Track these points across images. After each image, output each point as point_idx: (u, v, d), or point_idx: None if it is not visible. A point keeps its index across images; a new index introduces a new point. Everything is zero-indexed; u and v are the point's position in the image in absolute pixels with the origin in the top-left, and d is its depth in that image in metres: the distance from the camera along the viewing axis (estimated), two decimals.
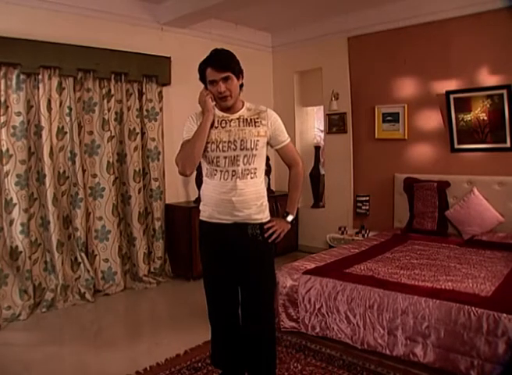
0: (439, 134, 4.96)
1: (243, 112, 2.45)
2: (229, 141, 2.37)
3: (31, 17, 4.14)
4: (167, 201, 5.25)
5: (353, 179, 5.75)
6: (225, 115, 2.43)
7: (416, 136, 5.14)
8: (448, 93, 4.76)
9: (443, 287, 3.06)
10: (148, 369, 3.00)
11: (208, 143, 2.37)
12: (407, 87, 5.17)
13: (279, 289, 3.51)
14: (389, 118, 5.28)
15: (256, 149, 2.39)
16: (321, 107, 6.08)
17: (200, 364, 3.06)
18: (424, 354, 2.79)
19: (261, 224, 2.47)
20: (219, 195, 2.40)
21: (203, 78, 2.39)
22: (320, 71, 5.90)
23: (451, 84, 4.79)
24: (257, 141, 2.40)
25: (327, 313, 3.27)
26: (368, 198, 5.46)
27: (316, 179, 6.24)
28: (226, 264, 2.49)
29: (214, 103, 2.39)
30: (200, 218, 2.53)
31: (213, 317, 2.62)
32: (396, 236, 4.75)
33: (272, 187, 6.16)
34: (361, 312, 3.10)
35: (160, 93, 5.08)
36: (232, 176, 2.37)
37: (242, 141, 2.36)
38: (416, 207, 4.91)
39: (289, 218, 2.62)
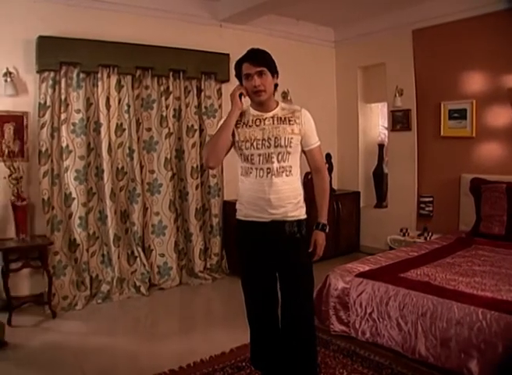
0: (509, 132, 4.62)
1: (277, 111, 2.43)
2: (263, 139, 2.36)
3: (89, 18, 4.28)
4: (225, 198, 5.24)
5: (417, 178, 5.50)
6: (259, 114, 2.42)
7: (484, 134, 4.82)
8: None
9: (504, 297, 2.82)
10: (192, 365, 3.01)
11: (242, 141, 2.38)
12: (476, 82, 4.85)
13: (330, 291, 3.42)
14: (455, 115, 4.98)
15: (290, 147, 2.37)
16: (385, 103, 5.87)
17: (243, 363, 3.02)
18: (479, 370, 2.58)
19: (299, 221, 2.44)
20: (256, 193, 2.38)
21: (239, 74, 2.40)
22: (383, 66, 5.69)
23: None
24: (291, 138, 2.37)
25: (378, 319, 3.13)
26: (431, 199, 5.21)
27: (379, 178, 6.03)
28: (264, 262, 2.46)
29: (246, 99, 2.36)
30: (237, 217, 2.51)
31: (252, 317, 2.60)
32: (459, 239, 4.47)
33: (334, 186, 5.99)
34: (413, 319, 2.93)
35: (219, 90, 5.09)
36: (268, 173, 2.35)
37: (276, 138, 2.35)
38: (483, 210, 4.59)
39: (327, 229, 2.55)
